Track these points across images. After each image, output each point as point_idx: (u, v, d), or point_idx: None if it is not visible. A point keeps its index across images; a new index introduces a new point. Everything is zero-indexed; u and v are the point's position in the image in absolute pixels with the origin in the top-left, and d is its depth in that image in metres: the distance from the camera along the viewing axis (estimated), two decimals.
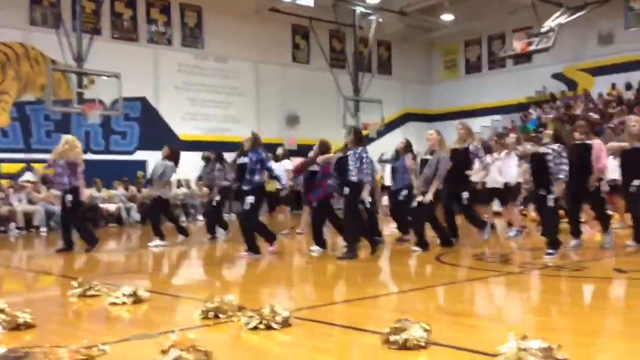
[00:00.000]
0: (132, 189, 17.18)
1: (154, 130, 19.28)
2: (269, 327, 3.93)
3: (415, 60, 26.58)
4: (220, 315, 4.29)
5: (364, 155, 7.73)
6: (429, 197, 7.99)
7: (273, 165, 8.89)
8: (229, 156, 10.72)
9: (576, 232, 8.06)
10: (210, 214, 11.38)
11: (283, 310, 4.07)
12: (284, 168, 11.65)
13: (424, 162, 8.26)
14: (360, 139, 7.94)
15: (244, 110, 21.55)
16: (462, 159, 8.60)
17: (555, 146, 7.36)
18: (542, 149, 7.50)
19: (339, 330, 4.07)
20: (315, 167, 8.62)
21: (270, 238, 8.40)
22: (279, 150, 13.08)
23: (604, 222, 8.18)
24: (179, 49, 20.53)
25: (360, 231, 8.01)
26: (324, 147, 8.62)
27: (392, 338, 3.49)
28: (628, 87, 20.90)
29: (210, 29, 21.03)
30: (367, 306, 4.93)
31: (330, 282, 6.64)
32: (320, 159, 8.39)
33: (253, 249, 8.04)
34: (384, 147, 23.57)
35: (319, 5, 21.38)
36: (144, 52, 19.65)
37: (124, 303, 4.91)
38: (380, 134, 22.33)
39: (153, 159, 18.98)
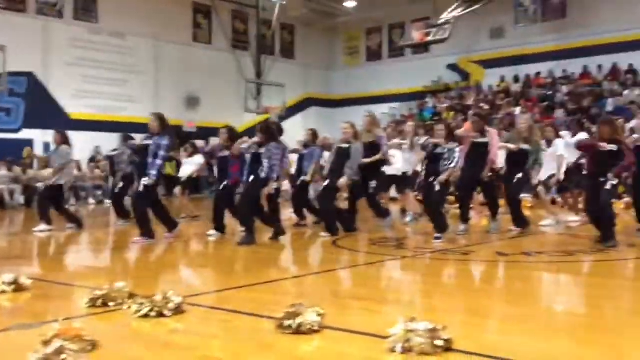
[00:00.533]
0: (17, 169, 16.15)
1: (41, 107, 18.23)
2: (160, 315, 3.83)
3: (318, 45, 26.74)
4: (110, 304, 4.13)
5: (275, 152, 7.71)
6: (342, 182, 8.29)
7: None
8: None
9: (465, 218, 8.47)
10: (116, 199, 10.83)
11: (176, 297, 3.98)
12: (196, 162, 11.42)
13: (340, 150, 8.47)
14: (272, 135, 7.85)
15: (141, 89, 20.82)
16: (371, 149, 8.93)
17: (454, 145, 7.88)
18: (438, 149, 7.98)
19: (233, 316, 4.03)
20: (225, 153, 8.51)
21: (171, 226, 8.19)
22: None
23: (494, 209, 8.64)
24: (71, 22, 19.46)
25: (259, 217, 8.00)
26: (233, 134, 8.57)
27: (286, 323, 3.50)
28: (516, 80, 22.12)
29: (106, 2, 20.08)
30: (264, 291, 4.92)
31: (227, 268, 6.57)
32: (235, 148, 8.27)
33: (147, 233, 7.81)
34: (286, 131, 23.67)
35: None
36: (32, 24, 18.47)
37: (3, 292, 4.61)
38: (282, 118, 22.30)
39: (40, 138, 18.06)
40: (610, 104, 18.35)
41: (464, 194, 8.64)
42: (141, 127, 21.13)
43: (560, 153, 9.48)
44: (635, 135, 8.20)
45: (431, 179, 7.96)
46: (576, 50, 20.69)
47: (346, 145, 8.46)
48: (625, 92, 18.52)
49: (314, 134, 10.12)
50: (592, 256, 6.64)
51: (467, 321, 3.97)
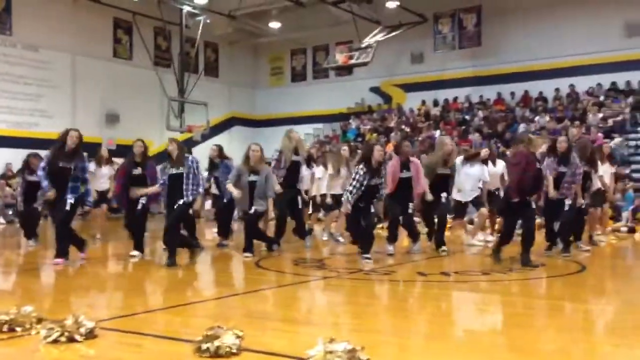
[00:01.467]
0: None
1: None
2: (71, 340, 3.65)
3: (242, 64, 26.69)
4: (17, 329, 3.90)
5: (196, 170, 7.57)
6: (262, 208, 8.28)
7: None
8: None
9: (392, 239, 8.61)
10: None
11: (88, 321, 3.80)
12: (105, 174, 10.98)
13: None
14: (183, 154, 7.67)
15: (57, 104, 20.03)
16: (296, 168, 9.08)
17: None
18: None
19: (150, 340, 3.89)
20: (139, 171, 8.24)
21: (81, 245, 7.82)
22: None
23: (415, 233, 8.79)
24: None
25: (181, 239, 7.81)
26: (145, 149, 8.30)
27: (203, 346, 3.42)
28: (435, 104, 22.86)
29: (20, 14, 19.28)
30: (182, 314, 4.79)
31: (145, 290, 6.36)
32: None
33: (64, 254, 7.44)
34: (209, 150, 23.37)
35: (144, 0, 20.61)
36: None
37: None
38: (206, 137, 22.01)
39: None
40: (522, 129, 19.24)
41: (395, 217, 8.80)
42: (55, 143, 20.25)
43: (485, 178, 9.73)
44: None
45: (361, 204, 7.86)
46: (491, 77, 21.65)
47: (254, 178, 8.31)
48: (536, 118, 19.49)
49: (219, 150, 9.98)
50: (507, 275, 6.89)
51: (386, 341, 4.01)
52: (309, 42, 25.63)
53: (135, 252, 8.04)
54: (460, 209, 9.56)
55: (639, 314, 5.01)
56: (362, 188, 7.63)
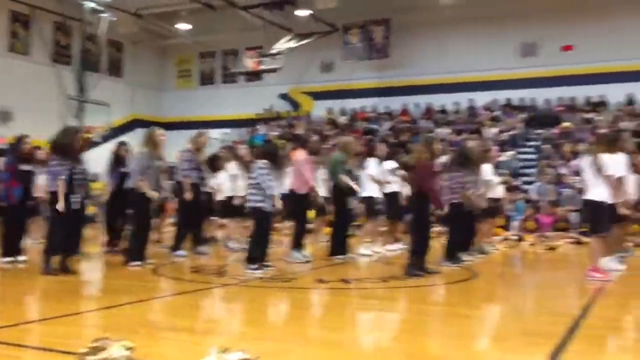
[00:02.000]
0: None
1: None
2: None
3: (148, 65, 25.96)
4: None
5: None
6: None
7: None
8: None
9: (296, 245, 8.66)
10: None
11: None
12: None
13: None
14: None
15: None
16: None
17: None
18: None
19: (30, 352, 3.67)
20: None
21: None
22: None
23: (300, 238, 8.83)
24: None
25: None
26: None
27: (88, 358, 3.25)
28: (343, 112, 23.21)
29: None
30: (67, 324, 4.54)
31: (25, 299, 6.00)
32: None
33: None
34: (110, 152, 22.52)
35: None
36: None
37: None
38: (107, 138, 21.20)
39: None
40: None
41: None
42: None
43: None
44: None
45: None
46: (397, 88, 22.26)
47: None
48: (438, 130, 20.23)
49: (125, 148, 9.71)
50: (405, 282, 7.05)
51: (284, 349, 3.99)
52: (218, 46, 25.31)
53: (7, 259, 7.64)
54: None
55: (526, 320, 5.28)
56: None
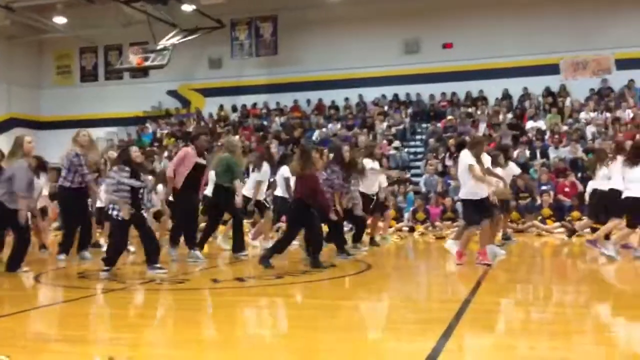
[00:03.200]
0: None
1: None
2: None
3: (23, 61, 24.38)
4: None
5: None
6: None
7: None
8: None
9: (175, 243, 8.48)
10: None
11: None
12: None
13: None
14: None
15: None
16: None
17: None
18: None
19: None
20: None
21: None
22: None
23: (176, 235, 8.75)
24: None
25: None
26: None
27: None
28: (234, 109, 22.96)
29: None
30: None
31: None
32: None
33: None
34: None
35: None
36: None
37: None
38: None
39: None
40: (316, 136, 20.12)
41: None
42: None
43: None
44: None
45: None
46: (287, 84, 22.33)
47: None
48: (330, 126, 20.52)
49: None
50: (299, 278, 7.06)
51: (171, 355, 3.84)
52: (100, 41, 24.18)
53: None
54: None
55: (419, 309, 5.43)
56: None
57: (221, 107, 22.99)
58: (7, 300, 6.31)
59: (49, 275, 7.51)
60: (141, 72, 21.87)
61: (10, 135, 23.40)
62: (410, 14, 20.92)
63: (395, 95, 21.33)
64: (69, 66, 25.25)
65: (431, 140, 18.45)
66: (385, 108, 20.91)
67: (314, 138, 19.95)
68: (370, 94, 21.53)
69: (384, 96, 21.42)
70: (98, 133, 23.34)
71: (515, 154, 16.65)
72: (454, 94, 20.68)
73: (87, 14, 21.25)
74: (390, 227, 13.11)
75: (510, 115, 18.87)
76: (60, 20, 21.65)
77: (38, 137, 24.26)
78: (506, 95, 20.08)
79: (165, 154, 20.31)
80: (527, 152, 16.67)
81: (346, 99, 21.68)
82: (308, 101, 22.30)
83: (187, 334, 4.41)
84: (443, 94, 20.80)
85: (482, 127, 18.40)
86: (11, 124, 23.70)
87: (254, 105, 22.79)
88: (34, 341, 4.28)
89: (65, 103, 24.61)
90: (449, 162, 16.58)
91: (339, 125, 20.39)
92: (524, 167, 16.34)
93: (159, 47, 19.96)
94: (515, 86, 19.95)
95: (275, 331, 4.62)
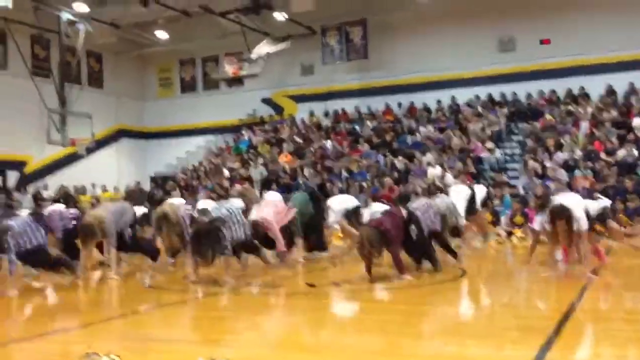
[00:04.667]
0: None
1: None
2: None
3: (129, 75, 25.80)
4: None
5: None
6: None
7: None
8: None
9: None
10: None
11: None
12: None
13: None
14: None
15: None
16: None
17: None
18: None
19: None
20: None
21: None
22: None
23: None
24: None
25: None
26: None
27: None
28: (326, 114, 23.19)
29: None
30: (55, 342, 4.48)
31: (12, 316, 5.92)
32: None
33: None
34: (96, 164, 22.43)
35: (19, 7, 19.41)
36: None
37: None
38: (91, 150, 21.09)
39: None
40: (408, 140, 19.97)
41: None
42: None
43: None
44: None
45: None
46: (378, 88, 22.28)
47: None
48: (421, 129, 20.28)
49: None
50: (392, 283, 7.01)
51: (269, 355, 3.95)
52: (198, 53, 25.21)
53: None
54: None
55: (519, 316, 5.27)
56: None
57: (312, 113, 23.29)
58: (117, 302, 6.74)
59: (157, 280, 7.90)
60: (236, 81, 22.55)
61: (119, 146, 24.98)
62: (503, 11, 20.29)
63: (490, 95, 20.76)
64: (169, 78, 26.50)
65: (529, 141, 17.82)
66: (479, 109, 20.40)
67: (407, 142, 19.83)
68: (463, 95, 21.07)
69: (477, 97, 20.90)
70: (197, 141, 24.39)
71: (621, 153, 15.84)
72: (552, 91, 19.85)
73: (185, 28, 22.19)
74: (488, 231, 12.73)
75: (614, 113, 17.88)
76: (161, 35, 22.77)
77: (144, 147, 25.80)
78: (610, 92, 19.03)
79: (261, 160, 20.88)
80: (635, 151, 15.74)
81: (438, 101, 21.35)
82: (399, 104, 22.14)
83: (284, 336, 4.53)
84: (541, 92, 20.01)
85: (584, 126, 17.56)
86: (120, 135, 25.18)
87: (345, 110, 22.89)
88: (142, 341, 4.53)
89: (166, 114, 25.83)
90: (548, 163, 15.97)
91: (431, 128, 20.12)
92: (632, 167, 15.48)
93: (253, 57, 20.52)
94: (620, 82, 18.84)
95: (372, 337, 4.63)
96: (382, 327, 4.98)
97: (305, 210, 9.35)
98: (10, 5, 17.09)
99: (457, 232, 9.50)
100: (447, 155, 18.05)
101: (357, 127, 21.79)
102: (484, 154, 17.99)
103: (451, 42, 20.97)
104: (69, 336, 4.74)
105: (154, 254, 8.73)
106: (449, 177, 16.40)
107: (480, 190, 10.93)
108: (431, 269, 7.58)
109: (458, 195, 9.87)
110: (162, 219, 8.11)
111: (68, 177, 20.80)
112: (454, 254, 8.17)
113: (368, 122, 21.63)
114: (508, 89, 20.48)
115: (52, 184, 20.27)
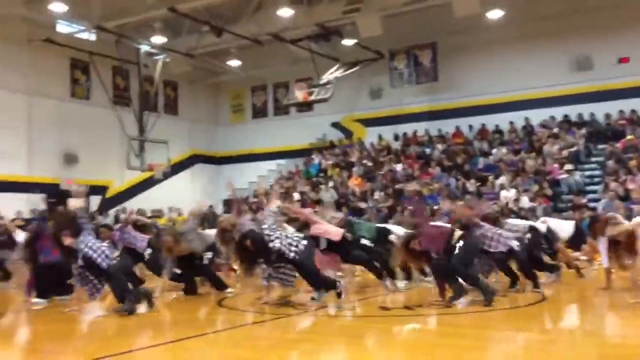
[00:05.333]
0: None
1: None
2: None
3: (202, 102, 26.69)
4: None
5: None
6: None
7: None
8: None
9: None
10: None
11: None
12: None
13: None
14: None
15: (12, 146, 19.54)
16: None
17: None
18: None
19: None
20: None
21: None
22: None
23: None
24: None
25: None
26: None
27: None
28: (395, 138, 23.13)
29: None
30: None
31: (96, 336, 6.16)
32: None
33: None
34: (172, 188, 23.20)
35: (102, 40, 20.55)
36: None
37: None
38: (167, 175, 21.85)
39: None
40: (480, 162, 19.60)
41: None
42: (10, 185, 19.69)
43: None
44: None
45: None
46: (448, 111, 22.06)
47: None
48: (494, 151, 19.88)
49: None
50: (468, 308, 6.86)
51: None
52: (269, 79, 25.81)
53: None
54: None
55: (602, 344, 5.05)
56: None
57: (381, 137, 23.26)
58: (195, 324, 6.90)
59: (230, 300, 8.04)
60: (306, 106, 22.90)
61: (193, 171, 25.76)
62: (579, 29, 19.75)
63: (566, 116, 20.15)
64: (241, 104, 27.20)
65: (610, 162, 17.14)
66: (555, 130, 19.81)
67: (479, 165, 19.48)
68: (537, 115, 20.53)
69: (552, 117, 20.32)
70: (268, 165, 24.82)
71: None
72: (633, 111, 19.05)
73: (257, 56, 22.82)
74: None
75: None
76: (234, 62, 23.48)
77: (217, 171, 26.48)
78: None
79: (331, 183, 21.01)
80: None
81: (511, 123, 20.89)
82: (470, 126, 21.83)
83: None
84: (621, 111, 19.25)
85: None
86: (194, 160, 25.98)
87: (415, 132, 22.76)
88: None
89: (238, 138, 26.49)
90: (631, 185, 15.28)
91: (504, 150, 19.69)
92: None
93: (322, 82, 20.80)
94: None
95: None
96: (453, 353, 4.88)
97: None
98: (93, 38, 18.11)
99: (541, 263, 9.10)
100: (522, 178, 17.60)
101: (426, 150, 21.61)
102: (562, 176, 17.42)
103: (523, 61, 20.59)
104: (156, 355, 4.89)
105: (220, 285, 8.70)
106: (524, 199, 15.96)
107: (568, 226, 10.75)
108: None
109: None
110: (221, 232, 8.44)
111: (145, 201, 21.60)
112: (534, 279, 7.91)
113: (438, 145, 21.41)
114: (585, 109, 19.84)
115: (130, 207, 21.11)
